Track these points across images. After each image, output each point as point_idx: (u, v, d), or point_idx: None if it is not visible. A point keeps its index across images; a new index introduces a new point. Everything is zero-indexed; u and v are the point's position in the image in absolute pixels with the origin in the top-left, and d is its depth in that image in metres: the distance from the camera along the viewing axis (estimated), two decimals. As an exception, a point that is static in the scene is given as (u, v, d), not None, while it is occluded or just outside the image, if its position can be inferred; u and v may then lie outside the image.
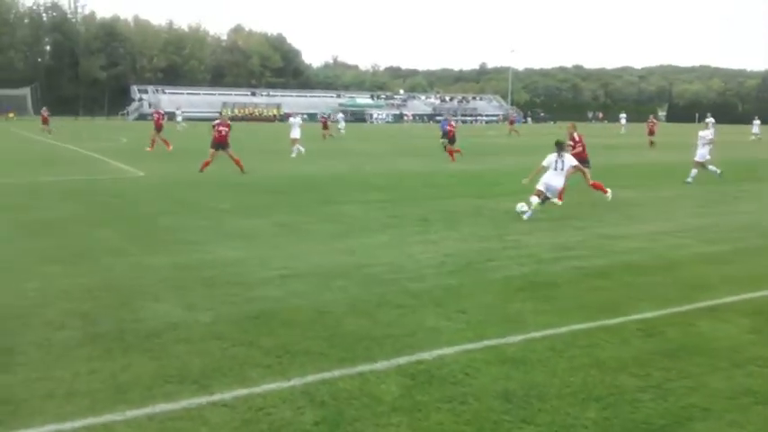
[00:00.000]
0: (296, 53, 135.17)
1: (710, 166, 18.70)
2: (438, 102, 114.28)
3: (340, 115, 49.61)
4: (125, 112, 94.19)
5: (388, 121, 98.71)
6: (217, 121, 20.57)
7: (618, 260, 8.99)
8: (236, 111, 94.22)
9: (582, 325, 6.24)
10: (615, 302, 7.01)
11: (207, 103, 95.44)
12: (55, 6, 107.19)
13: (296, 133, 26.99)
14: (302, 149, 26.64)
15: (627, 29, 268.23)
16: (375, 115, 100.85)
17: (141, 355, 5.36)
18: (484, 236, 10.57)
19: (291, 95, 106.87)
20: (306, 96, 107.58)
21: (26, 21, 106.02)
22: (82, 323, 6.09)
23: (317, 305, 6.72)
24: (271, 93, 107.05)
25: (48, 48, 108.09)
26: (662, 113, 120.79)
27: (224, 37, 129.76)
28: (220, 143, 19.81)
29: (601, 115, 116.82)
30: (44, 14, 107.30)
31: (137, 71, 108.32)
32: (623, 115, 69.26)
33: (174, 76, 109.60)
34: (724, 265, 8.88)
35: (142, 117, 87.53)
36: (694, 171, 18.51)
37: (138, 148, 30.14)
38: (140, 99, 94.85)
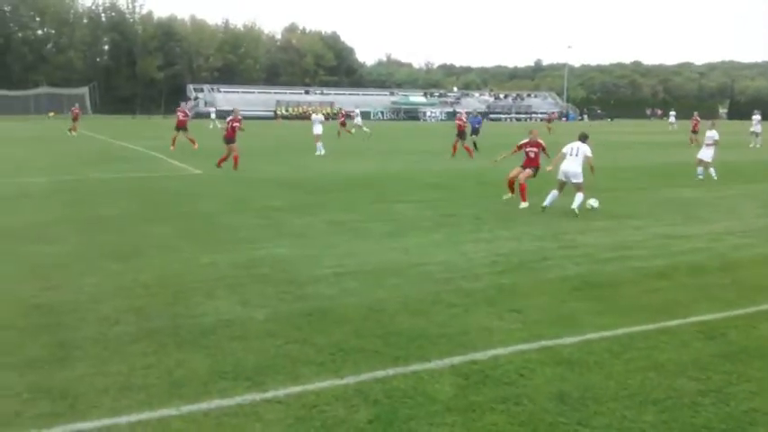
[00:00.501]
0: (349, 51, 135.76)
1: (711, 169, 18.30)
2: (492, 99, 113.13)
3: (357, 110, 46.93)
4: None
5: (441, 119, 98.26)
6: (230, 117, 20.87)
7: (678, 260, 8.72)
8: (289, 109, 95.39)
9: (640, 327, 6.07)
10: (675, 304, 6.80)
11: (261, 102, 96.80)
12: (113, 6, 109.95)
13: (318, 130, 27.00)
14: (322, 149, 26.45)
15: (687, 24, 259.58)
16: (428, 113, 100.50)
17: (196, 351, 5.43)
18: (538, 235, 10.39)
19: (344, 93, 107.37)
20: (359, 94, 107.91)
21: (85, 21, 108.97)
22: (137, 319, 6.21)
23: (371, 303, 6.71)
24: (324, 91, 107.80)
25: (106, 47, 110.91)
26: (723, 110, 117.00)
27: (278, 36, 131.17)
28: (230, 138, 20.06)
29: (660, 112, 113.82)
30: (103, 15, 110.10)
31: (193, 70, 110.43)
32: (673, 113, 68.50)
33: (229, 74, 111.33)
34: (791, 266, 8.51)
35: (198, 116, 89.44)
36: (700, 169, 18.43)
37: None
38: (196, 98, 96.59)
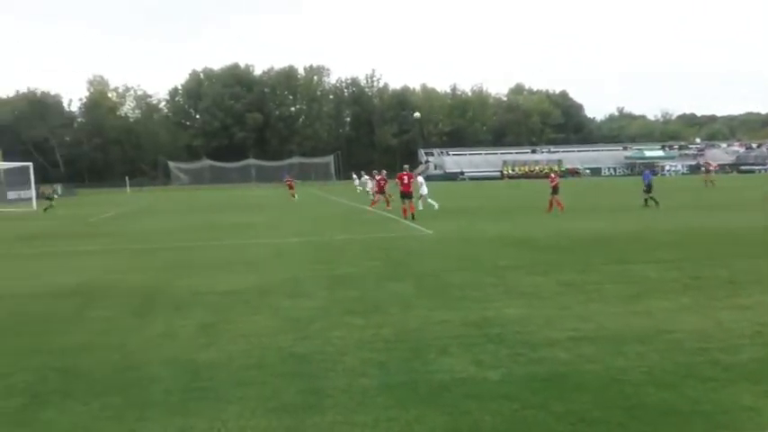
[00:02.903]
0: (578, 108, 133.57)
1: None
2: (743, 150, 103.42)
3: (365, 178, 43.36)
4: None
5: (683, 173, 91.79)
6: (379, 176, 27.55)
7: None
8: (515, 169, 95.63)
9: None
10: None
11: (488, 163, 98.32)
12: (354, 82, 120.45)
13: (424, 190, 30.09)
14: (434, 204, 29.63)
15: None
16: (667, 167, 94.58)
17: (433, 407, 5.49)
18: (809, 302, 9.08)
19: (573, 150, 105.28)
20: (588, 151, 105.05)
21: (331, 96, 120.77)
22: (379, 372, 6.47)
23: (612, 371, 6.30)
24: (551, 149, 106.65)
25: (348, 119, 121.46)
26: None
27: (504, 98, 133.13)
28: (405, 192, 25.12)
29: None
30: (345, 90, 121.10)
31: (424, 136, 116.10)
32: None
33: (458, 138, 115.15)
34: None
35: (428, 179, 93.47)
36: None
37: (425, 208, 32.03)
38: (427, 161, 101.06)
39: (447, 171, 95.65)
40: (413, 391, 5.91)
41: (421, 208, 28.96)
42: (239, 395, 5.90)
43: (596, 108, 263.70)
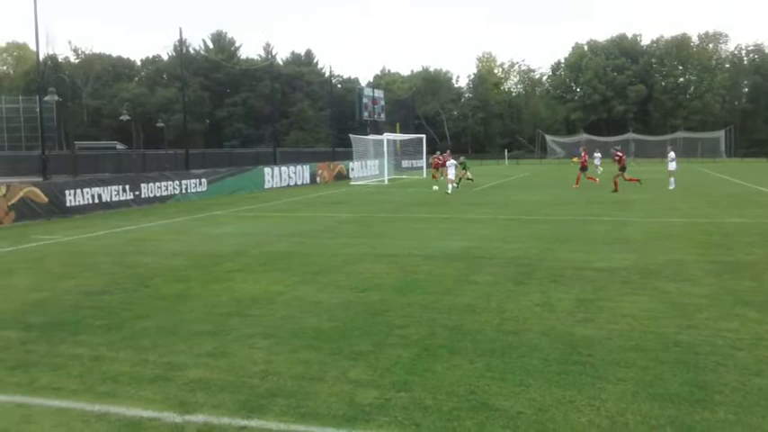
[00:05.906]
0: None
1: None
2: None
3: (597, 155, 48.92)
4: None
5: None
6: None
7: None
8: None
9: None
10: None
11: None
12: (758, 49, 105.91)
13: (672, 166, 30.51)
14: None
15: None
16: None
17: None
18: None
19: None
20: None
21: (727, 65, 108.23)
22: (773, 373, 5.78)
23: None
24: None
25: (745, 90, 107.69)
26: None
27: None
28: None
29: None
30: (745, 58, 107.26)
31: None
32: None
33: None
34: None
35: None
36: None
37: None
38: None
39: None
40: (822, 402, 5.16)
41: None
42: (619, 376, 5.81)
43: None
